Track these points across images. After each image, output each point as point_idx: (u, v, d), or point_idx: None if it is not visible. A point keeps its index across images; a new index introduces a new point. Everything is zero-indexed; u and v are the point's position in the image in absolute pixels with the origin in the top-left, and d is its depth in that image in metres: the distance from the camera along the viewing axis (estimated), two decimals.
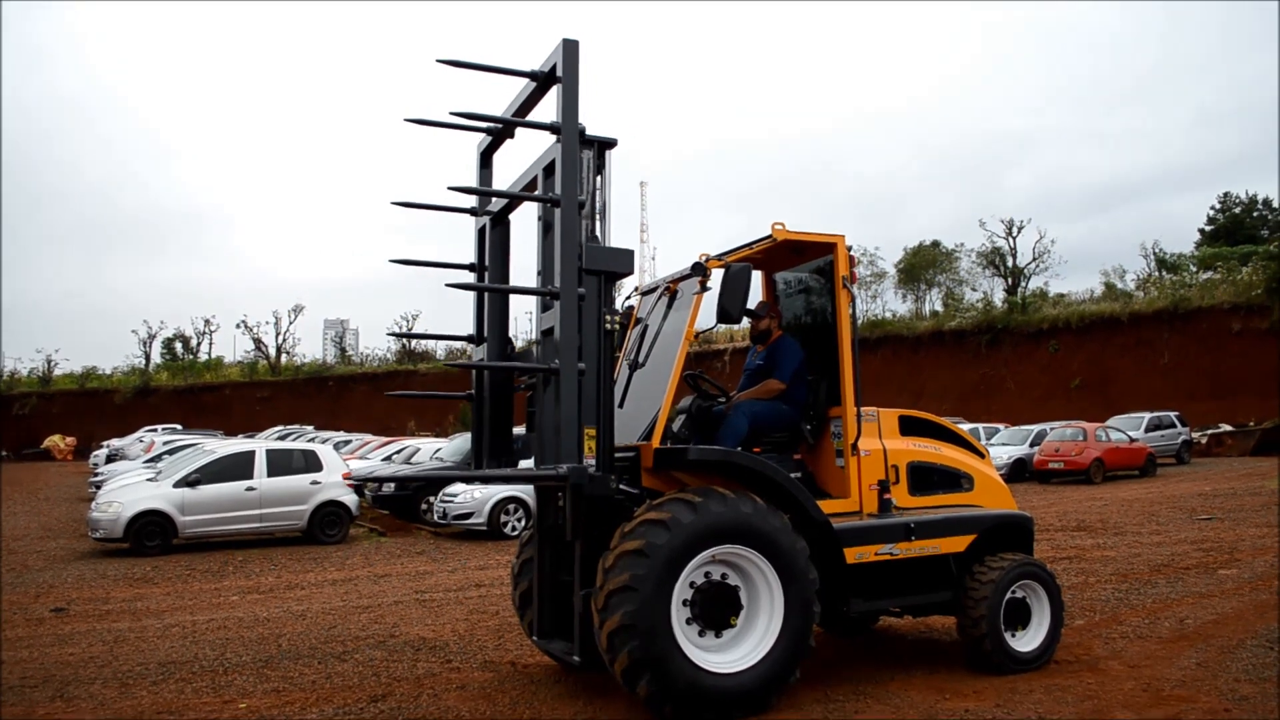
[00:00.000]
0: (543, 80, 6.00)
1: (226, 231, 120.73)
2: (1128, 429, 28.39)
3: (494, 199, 6.82)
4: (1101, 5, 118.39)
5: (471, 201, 6.99)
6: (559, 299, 5.65)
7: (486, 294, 6.82)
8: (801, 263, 7.52)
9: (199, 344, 67.16)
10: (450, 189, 5.82)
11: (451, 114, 5.77)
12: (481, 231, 6.97)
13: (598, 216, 6.12)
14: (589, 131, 5.92)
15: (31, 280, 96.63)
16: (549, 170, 5.98)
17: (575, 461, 5.56)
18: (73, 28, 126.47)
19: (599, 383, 5.82)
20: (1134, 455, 26.39)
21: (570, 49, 5.70)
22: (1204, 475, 25.47)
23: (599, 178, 6.14)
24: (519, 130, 6.63)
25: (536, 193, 6.16)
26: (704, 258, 6.51)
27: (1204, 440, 33.53)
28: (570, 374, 5.58)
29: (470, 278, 6.92)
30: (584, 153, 5.94)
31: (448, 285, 5.97)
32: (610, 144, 6.17)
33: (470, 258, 7.03)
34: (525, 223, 6.76)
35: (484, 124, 6.40)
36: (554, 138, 5.84)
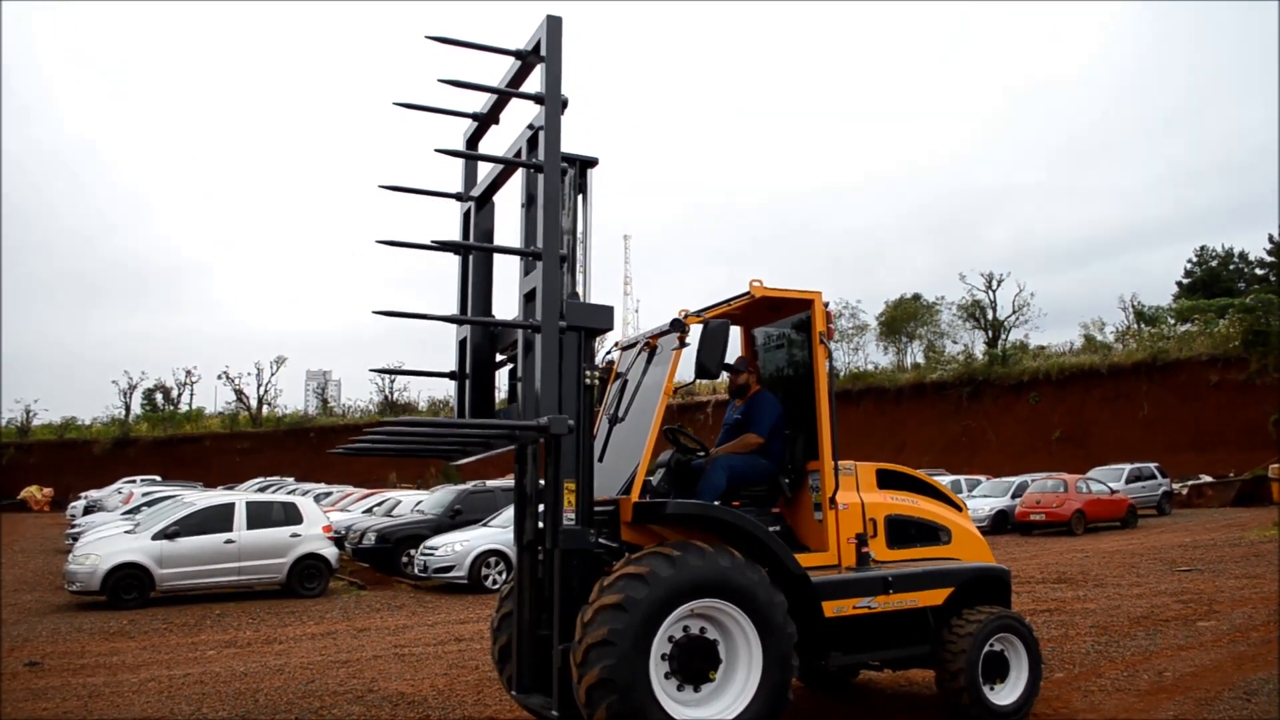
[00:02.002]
0: (527, 57, 6.15)
1: (208, 282, 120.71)
2: (1108, 480, 28.51)
3: (478, 183, 6.97)
4: (1071, 66, 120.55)
5: (458, 185, 7.10)
6: (541, 260, 5.76)
7: (470, 275, 6.88)
8: (780, 318, 7.62)
9: (179, 395, 66.84)
10: (436, 150, 5.92)
11: (439, 80, 5.88)
12: (466, 215, 7.08)
13: (579, 269, 6.23)
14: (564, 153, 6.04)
15: (11, 330, 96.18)
16: (532, 142, 6.12)
17: (555, 413, 5.62)
18: (50, 80, 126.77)
19: (578, 437, 5.88)
20: (1115, 507, 26.51)
21: (553, 25, 5.89)
22: (1184, 526, 25.58)
23: (580, 196, 6.27)
24: (504, 117, 6.79)
25: (521, 159, 6.28)
26: (683, 314, 6.59)
27: (1184, 491, 33.69)
28: (551, 331, 5.69)
29: (455, 261, 7.00)
30: (566, 170, 6.10)
31: (435, 244, 6.07)
32: (592, 163, 6.36)
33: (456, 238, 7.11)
34: (509, 207, 6.88)
35: (469, 100, 6.59)
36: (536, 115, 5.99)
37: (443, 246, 6.23)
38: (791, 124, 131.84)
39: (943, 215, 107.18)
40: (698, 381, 6.82)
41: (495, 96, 6.59)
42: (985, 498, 27.94)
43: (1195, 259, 62.73)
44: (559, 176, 5.86)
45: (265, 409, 63.86)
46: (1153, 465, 31.90)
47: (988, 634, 6.81)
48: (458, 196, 7.07)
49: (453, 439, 6.57)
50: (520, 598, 6.55)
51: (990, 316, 50.80)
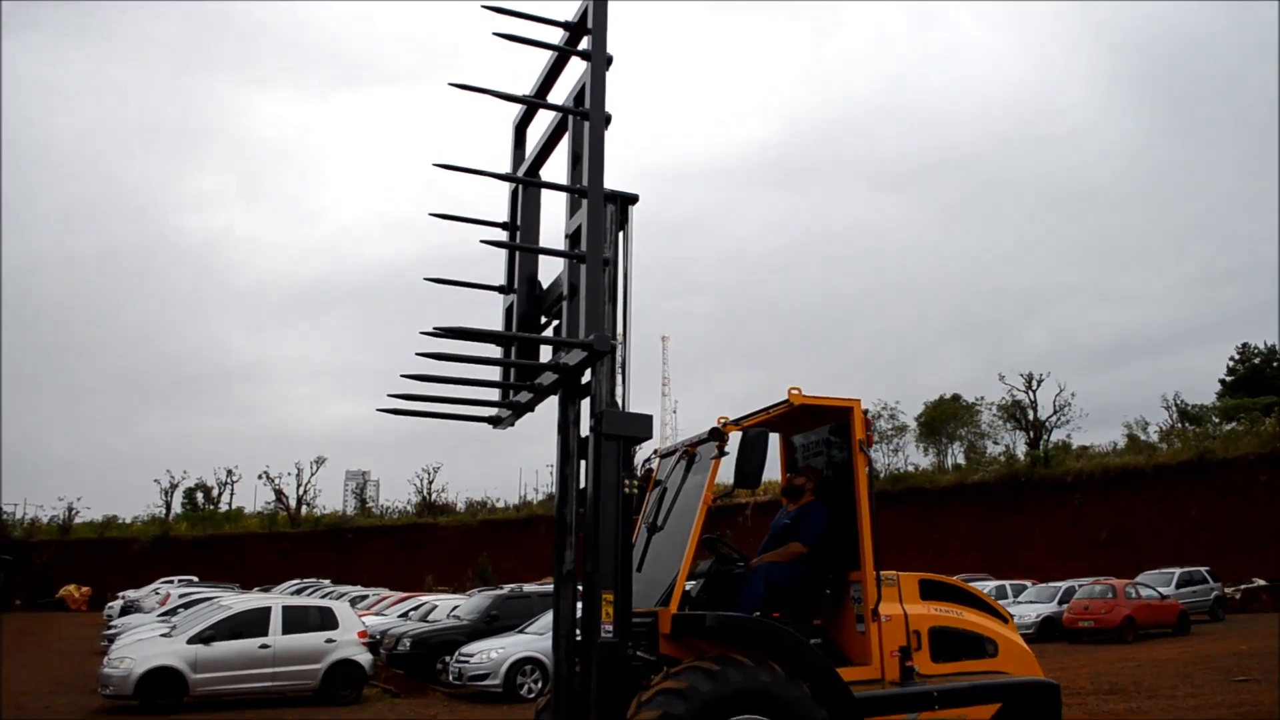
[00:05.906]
0: (574, 29, 6.37)
1: (256, 382, 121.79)
2: (1158, 585, 27.78)
3: (525, 160, 7.25)
4: (1103, 169, 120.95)
5: (506, 166, 7.34)
6: (586, 196, 5.92)
7: (516, 255, 7.10)
8: (818, 426, 7.60)
9: (220, 494, 67.17)
10: (493, 94, 6.09)
11: (495, 35, 6.03)
12: (514, 193, 7.31)
13: (618, 372, 6.27)
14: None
15: (60, 429, 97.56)
16: (579, 100, 6.32)
17: (600, 330, 5.72)
18: (119, 178, 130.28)
19: (617, 546, 5.84)
20: (1166, 612, 25.79)
21: None
22: (1239, 632, 24.77)
23: (621, 233, 6.39)
24: (551, 97, 6.98)
25: (567, 111, 6.47)
26: (722, 422, 6.60)
27: (1238, 595, 32.73)
28: (596, 261, 5.81)
29: (504, 237, 7.20)
30: (607, 206, 6.28)
31: (489, 175, 6.21)
32: (632, 199, 6.56)
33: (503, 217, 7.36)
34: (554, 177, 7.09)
35: (517, 83, 6.92)
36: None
37: (500, 176, 6.45)
38: (827, 222, 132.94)
39: (980, 316, 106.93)
40: (735, 492, 6.79)
41: (542, 80, 6.87)
42: (1031, 604, 27.26)
43: (1238, 356, 62.03)
44: (603, 126, 6.06)
45: (304, 509, 63.97)
46: (1203, 569, 31.05)
47: None
48: (505, 177, 7.24)
49: (495, 384, 6.70)
50: (557, 710, 6.44)
51: (1031, 417, 50.16)
